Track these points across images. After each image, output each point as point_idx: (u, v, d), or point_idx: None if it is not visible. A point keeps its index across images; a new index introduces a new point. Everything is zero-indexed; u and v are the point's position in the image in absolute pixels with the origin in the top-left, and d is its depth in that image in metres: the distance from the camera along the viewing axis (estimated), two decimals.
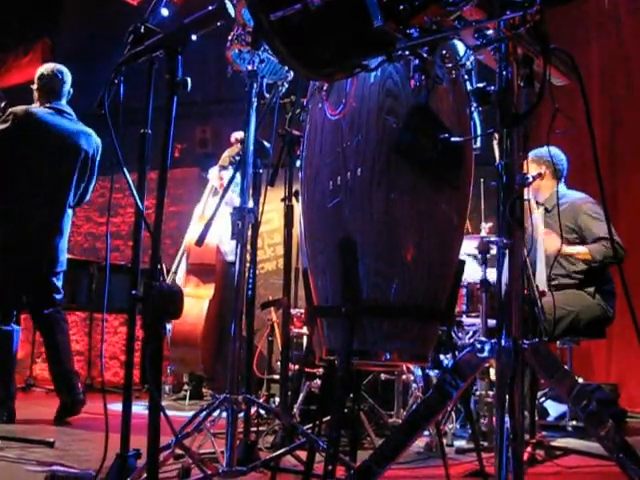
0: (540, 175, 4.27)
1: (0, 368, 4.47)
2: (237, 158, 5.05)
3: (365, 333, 2.32)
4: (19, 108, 4.51)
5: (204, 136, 8.48)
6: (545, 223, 4.69)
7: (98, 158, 4.81)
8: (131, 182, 2.20)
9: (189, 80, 2.04)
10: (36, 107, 4.66)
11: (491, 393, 4.11)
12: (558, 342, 4.91)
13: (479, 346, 1.77)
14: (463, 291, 4.66)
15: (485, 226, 4.43)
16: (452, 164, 2.33)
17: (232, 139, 5.99)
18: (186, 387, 6.37)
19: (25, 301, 4.73)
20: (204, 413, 2.72)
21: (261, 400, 4.78)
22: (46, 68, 4.75)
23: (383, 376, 4.65)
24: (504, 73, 1.86)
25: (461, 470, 3.30)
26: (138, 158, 2.63)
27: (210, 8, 2.04)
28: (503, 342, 1.73)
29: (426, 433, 4.17)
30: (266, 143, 3.20)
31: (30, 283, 4.65)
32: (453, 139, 2.09)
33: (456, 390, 1.82)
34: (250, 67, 2.85)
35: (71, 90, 4.79)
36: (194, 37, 2.04)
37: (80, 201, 4.87)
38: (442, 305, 2.43)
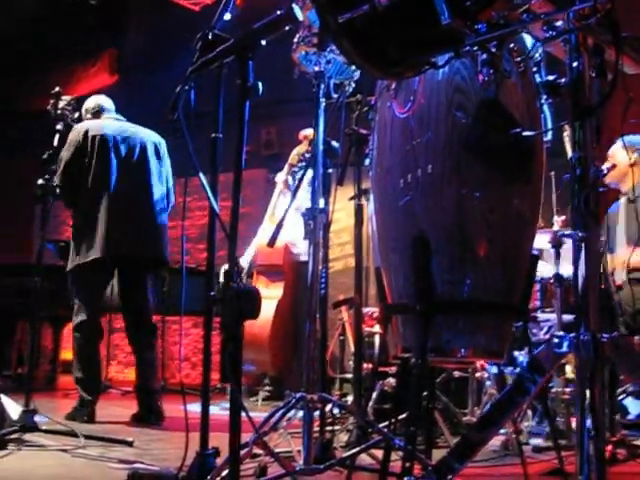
0: (614, 166, 4.12)
1: (85, 373, 4.58)
2: (307, 156, 5.08)
3: (440, 330, 2.31)
4: (81, 124, 4.71)
5: (269, 137, 8.53)
6: (628, 215, 4.53)
7: (166, 154, 4.89)
8: (207, 186, 2.23)
9: (260, 85, 2.07)
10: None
11: (568, 390, 4.04)
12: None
13: (557, 341, 1.76)
14: (537, 286, 4.59)
15: (557, 219, 4.35)
16: (523, 158, 2.31)
17: (300, 136, 6.01)
18: (266, 388, 6.39)
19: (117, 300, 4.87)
20: (280, 412, 2.75)
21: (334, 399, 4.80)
22: (88, 102, 5.03)
23: (457, 374, 4.62)
24: (575, 64, 1.83)
25: (538, 469, 3.26)
26: (210, 162, 2.67)
27: (278, 13, 2.06)
28: (582, 336, 1.71)
29: (502, 431, 4.13)
30: (334, 143, 3.21)
31: (123, 276, 4.80)
32: (524, 133, 2.07)
33: (534, 386, 1.81)
34: (317, 68, 2.88)
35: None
36: (263, 42, 2.07)
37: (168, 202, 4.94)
38: (516, 300, 2.41)
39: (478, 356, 2.46)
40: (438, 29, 1.81)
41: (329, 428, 3.44)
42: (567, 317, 4.21)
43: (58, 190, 4.61)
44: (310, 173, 3.04)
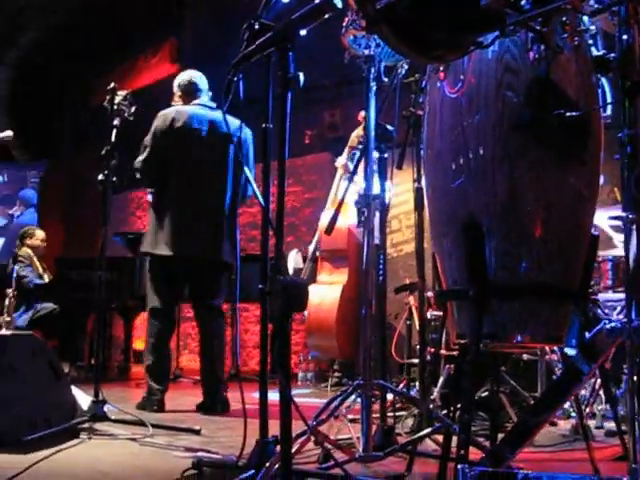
0: None
1: (154, 363, 4.66)
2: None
3: (495, 315, 2.27)
4: (167, 110, 4.71)
5: (333, 120, 8.48)
6: None
7: (252, 148, 4.78)
8: (251, 177, 2.23)
9: (301, 75, 2.05)
10: (180, 105, 4.83)
11: None
12: None
13: (609, 326, 1.70)
14: (608, 265, 4.46)
15: None
16: (578, 137, 2.24)
17: (360, 117, 5.94)
18: (335, 374, 6.40)
19: (190, 297, 4.93)
20: (338, 399, 2.75)
21: (402, 385, 4.78)
22: (182, 76, 4.94)
23: (525, 357, 4.55)
24: (624, 38, 1.76)
25: (609, 453, 3.18)
26: (262, 152, 2.67)
27: (316, 1, 2.04)
28: (634, 321, 1.65)
29: (573, 415, 4.05)
30: (389, 126, 3.17)
31: (197, 278, 4.80)
32: (567, 113, 2.00)
33: (587, 370, 1.76)
34: (367, 52, 2.84)
35: (210, 93, 4.91)
36: (303, 32, 2.05)
37: (244, 195, 4.86)
38: (575, 283, 2.34)
39: (536, 342, 2.39)
40: (478, 9, 1.77)
41: (392, 414, 3.44)
42: None
43: (138, 175, 4.66)
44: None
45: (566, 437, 3.73)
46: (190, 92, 4.83)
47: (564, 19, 2.29)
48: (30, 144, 10.87)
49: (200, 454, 3.10)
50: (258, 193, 2.27)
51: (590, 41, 2.37)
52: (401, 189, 6.59)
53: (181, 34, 9.74)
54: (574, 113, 2.04)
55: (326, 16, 2.04)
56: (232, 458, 2.75)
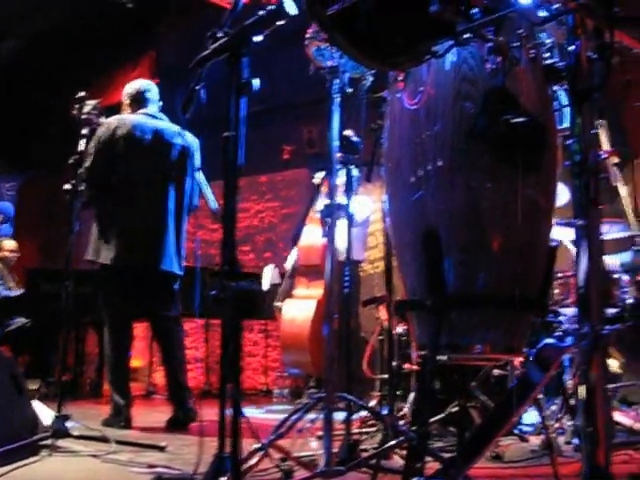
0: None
1: (116, 378, 4.60)
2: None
3: (454, 326, 2.26)
4: (110, 118, 4.63)
5: (311, 136, 8.49)
6: None
7: (197, 157, 4.67)
8: (206, 185, 2.21)
9: (255, 81, 2.04)
10: (126, 114, 4.80)
11: (610, 386, 3.92)
12: None
13: (560, 335, 1.69)
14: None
15: None
16: (533, 146, 2.24)
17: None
18: (311, 390, 6.33)
19: (142, 309, 4.83)
20: (299, 414, 2.71)
21: (374, 401, 4.74)
22: (132, 85, 4.91)
23: (496, 372, 4.52)
24: (572, 47, 1.76)
25: (575, 468, 3.15)
26: (223, 162, 2.65)
27: (268, 8, 2.03)
28: (583, 329, 1.64)
29: (544, 430, 4.02)
30: (355, 138, 3.16)
31: (144, 289, 4.69)
32: (514, 120, 2.00)
33: (540, 380, 1.74)
34: (331, 63, 2.83)
35: (160, 103, 4.88)
36: (258, 38, 2.04)
37: (191, 203, 4.77)
38: (534, 294, 2.33)
39: (495, 352, 2.37)
40: (429, 17, 1.76)
41: (361, 430, 3.40)
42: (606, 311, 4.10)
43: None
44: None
45: (535, 452, 3.70)
46: (138, 101, 4.79)
47: (520, 31, 2.30)
48: (6, 157, 10.81)
49: (160, 470, 3.05)
50: (210, 195, 2.24)
51: (547, 54, 2.38)
52: (379, 205, 6.58)
53: (160, 48, 9.74)
54: (520, 119, 2.03)
55: (279, 23, 2.03)
56: (189, 474, 2.71)
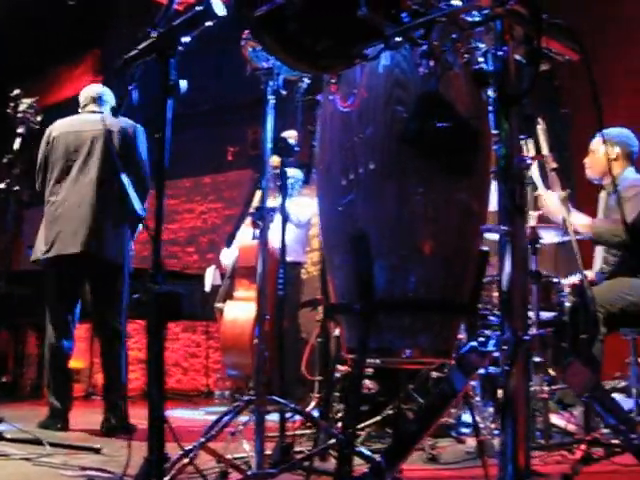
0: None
1: (54, 382, 4.51)
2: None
3: (383, 330, 2.26)
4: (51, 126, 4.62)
5: (255, 137, 8.45)
6: (608, 208, 4.49)
7: (143, 146, 4.53)
8: (129, 187, 2.18)
9: (183, 82, 2.01)
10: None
11: (546, 389, 3.97)
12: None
13: (483, 340, 1.69)
14: None
15: (534, 215, 4.27)
16: (465, 151, 2.24)
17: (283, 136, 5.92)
18: (252, 391, 6.28)
19: (82, 309, 4.71)
20: (229, 416, 2.69)
21: (314, 403, 4.73)
22: (85, 89, 4.85)
23: (434, 374, 4.55)
24: (500, 53, 1.77)
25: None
26: (157, 164, 2.61)
27: (197, 9, 2.01)
28: (505, 335, 1.64)
29: (483, 432, 4.05)
30: (291, 140, 3.15)
31: (75, 279, 4.56)
32: (439, 124, 2.01)
33: (463, 385, 1.75)
34: (266, 64, 2.81)
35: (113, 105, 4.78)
36: (186, 39, 2.01)
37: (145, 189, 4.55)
38: (465, 298, 2.34)
39: (425, 356, 2.39)
40: (358, 20, 1.75)
41: (296, 433, 3.39)
42: (545, 314, 4.15)
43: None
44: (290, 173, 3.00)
45: (470, 454, 3.73)
46: (85, 104, 4.76)
47: (454, 36, 2.30)
48: None
49: (91, 473, 2.99)
50: (134, 198, 2.21)
51: (482, 58, 2.39)
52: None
53: (105, 45, 9.61)
54: (446, 124, 2.04)
55: (208, 24, 2.01)
56: (119, 476, 2.67)
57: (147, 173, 4.49)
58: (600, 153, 4.49)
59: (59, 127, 4.62)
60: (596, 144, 4.56)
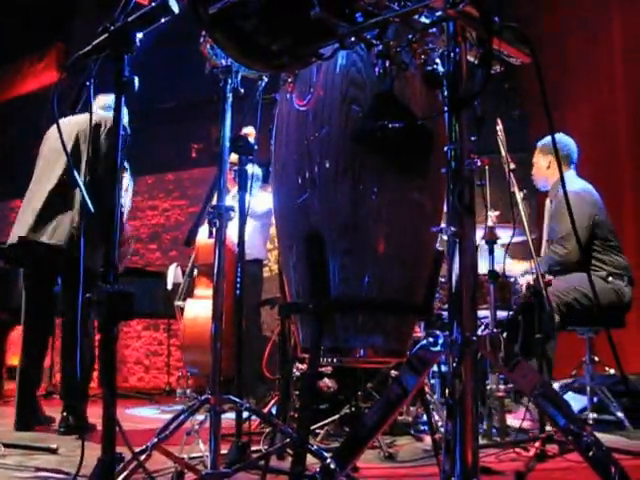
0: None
1: (21, 382, 4.46)
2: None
3: (337, 330, 2.26)
4: None
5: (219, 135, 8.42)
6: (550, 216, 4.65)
7: (104, 137, 4.27)
8: (82, 184, 2.15)
9: (136, 79, 1.99)
10: None
11: (502, 387, 4.01)
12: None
13: (432, 340, 1.70)
14: None
15: (492, 215, 4.30)
16: (419, 151, 2.25)
17: (242, 132, 5.87)
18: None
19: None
20: (184, 415, 2.67)
21: (272, 401, 4.73)
22: None
23: (394, 373, 4.57)
24: (452, 54, 1.78)
25: None
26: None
27: (152, 5, 1.99)
28: (454, 335, 1.65)
29: (441, 430, 4.07)
30: (251, 138, 3.14)
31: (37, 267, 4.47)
32: (391, 125, 2.01)
33: (413, 385, 1.75)
34: (224, 62, 2.79)
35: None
36: (140, 35, 1.99)
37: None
38: (419, 298, 2.35)
39: (379, 356, 2.39)
40: (311, 20, 1.75)
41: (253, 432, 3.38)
42: (502, 314, 4.20)
43: None
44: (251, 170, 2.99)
45: (428, 452, 3.75)
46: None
47: (410, 37, 2.31)
48: None
49: (41, 474, 2.96)
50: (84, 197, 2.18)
51: (438, 59, 2.40)
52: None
53: (69, 39, 9.50)
54: (396, 124, 2.05)
55: (163, 20, 1.99)
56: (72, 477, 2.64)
57: (108, 170, 4.45)
58: (539, 164, 4.86)
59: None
60: (535, 155, 4.81)
